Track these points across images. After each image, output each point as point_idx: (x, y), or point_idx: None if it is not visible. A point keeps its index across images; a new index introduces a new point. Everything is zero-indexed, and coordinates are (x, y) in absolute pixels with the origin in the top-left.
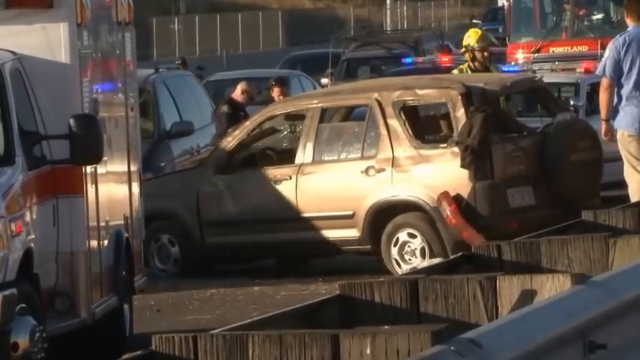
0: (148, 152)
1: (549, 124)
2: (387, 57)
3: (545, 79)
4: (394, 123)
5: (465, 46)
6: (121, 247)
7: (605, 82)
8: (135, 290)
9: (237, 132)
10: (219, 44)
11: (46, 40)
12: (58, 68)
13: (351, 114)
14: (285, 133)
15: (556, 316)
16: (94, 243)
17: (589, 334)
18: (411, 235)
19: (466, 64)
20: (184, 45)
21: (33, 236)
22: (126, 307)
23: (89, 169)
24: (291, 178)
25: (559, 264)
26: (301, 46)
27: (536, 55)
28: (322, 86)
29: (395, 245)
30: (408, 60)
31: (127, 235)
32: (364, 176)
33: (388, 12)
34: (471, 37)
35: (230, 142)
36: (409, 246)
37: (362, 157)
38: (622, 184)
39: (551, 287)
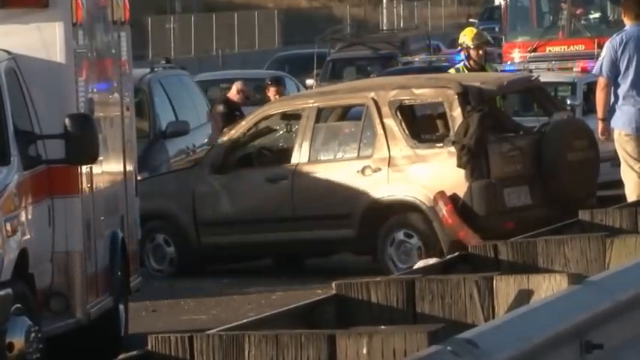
0: (143, 152)
1: (546, 124)
2: (374, 57)
3: (542, 79)
4: (390, 122)
5: (460, 44)
6: (117, 247)
7: (601, 82)
8: (130, 290)
9: (232, 131)
10: (215, 44)
11: (41, 39)
12: (54, 68)
13: (347, 113)
14: (281, 132)
15: (553, 316)
16: (89, 243)
17: (586, 334)
18: (408, 235)
19: (462, 64)
20: (180, 44)
21: (28, 236)
22: (121, 307)
23: (85, 168)
24: (287, 177)
25: (556, 264)
26: (297, 46)
27: (532, 54)
28: (307, 88)
29: (391, 245)
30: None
31: (122, 235)
32: (360, 176)
33: (384, 11)
34: (466, 36)
35: (226, 141)
36: (405, 246)
37: (358, 157)
38: (619, 184)
39: (548, 287)
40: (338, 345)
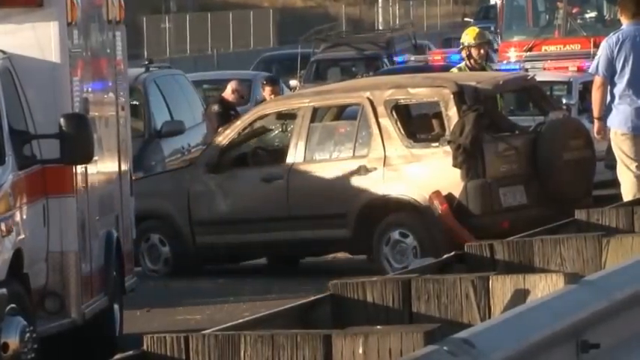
0: (138, 151)
1: (541, 123)
2: (358, 58)
3: (538, 78)
4: (386, 122)
5: (462, 44)
6: (112, 247)
7: (598, 81)
8: (125, 290)
9: (228, 131)
10: (210, 43)
11: (36, 39)
12: (48, 67)
13: (342, 113)
14: (276, 132)
15: (549, 315)
16: (84, 243)
17: (582, 334)
18: (403, 235)
19: (464, 63)
20: (175, 44)
21: (23, 236)
22: (116, 307)
23: (79, 168)
24: (282, 177)
25: (552, 263)
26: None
27: (528, 53)
28: (291, 89)
29: (387, 244)
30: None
31: (117, 234)
32: (356, 175)
33: (380, 10)
34: (468, 35)
35: (221, 141)
36: (401, 245)
37: (354, 157)
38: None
39: (544, 287)
40: (334, 345)
